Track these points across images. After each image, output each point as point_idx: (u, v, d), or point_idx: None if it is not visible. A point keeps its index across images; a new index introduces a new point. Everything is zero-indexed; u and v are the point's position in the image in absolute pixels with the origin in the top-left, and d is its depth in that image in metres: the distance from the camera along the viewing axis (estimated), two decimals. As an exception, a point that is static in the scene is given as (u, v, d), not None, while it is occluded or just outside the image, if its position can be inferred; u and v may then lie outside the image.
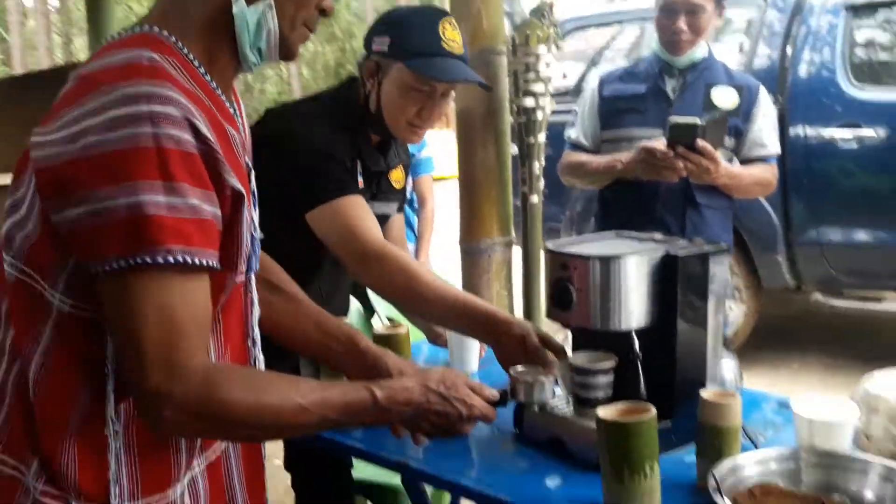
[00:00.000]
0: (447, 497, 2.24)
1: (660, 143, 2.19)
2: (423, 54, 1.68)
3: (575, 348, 1.53)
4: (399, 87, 1.71)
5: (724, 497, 1.13)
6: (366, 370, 1.36)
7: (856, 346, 4.29)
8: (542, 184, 2.18)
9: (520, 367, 1.42)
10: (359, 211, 1.66)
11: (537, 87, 2.10)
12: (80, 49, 22.01)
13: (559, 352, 1.48)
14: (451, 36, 1.71)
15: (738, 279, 4.24)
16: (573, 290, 1.38)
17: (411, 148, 3.30)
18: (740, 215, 4.06)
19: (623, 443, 1.16)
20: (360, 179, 1.75)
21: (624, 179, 2.36)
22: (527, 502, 1.30)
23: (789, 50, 4.20)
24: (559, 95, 3.26)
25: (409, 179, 3.21)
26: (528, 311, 2.20)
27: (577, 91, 4.87)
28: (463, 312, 1.54)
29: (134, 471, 0.99)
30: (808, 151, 4.03)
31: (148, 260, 0.88)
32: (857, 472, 1.20)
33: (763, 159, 2.43)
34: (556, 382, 1.45)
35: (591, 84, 2.58)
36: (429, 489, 1.83)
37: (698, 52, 2.41)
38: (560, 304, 1.41)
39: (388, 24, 1.77)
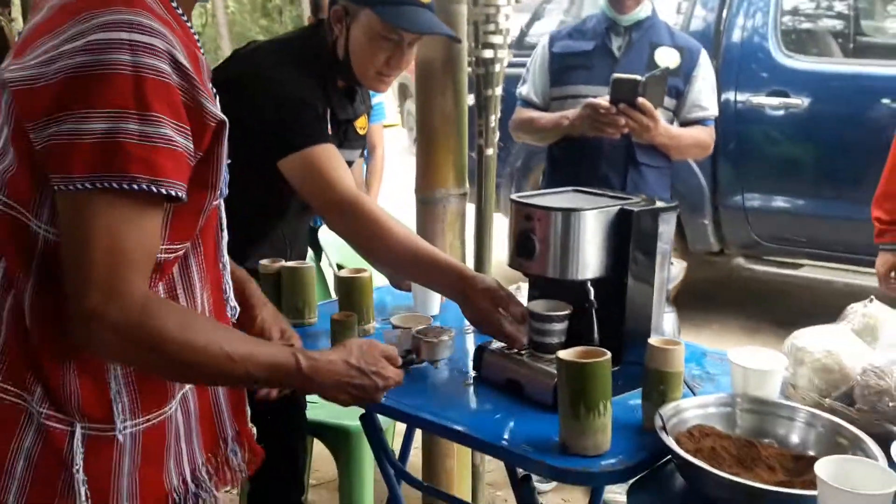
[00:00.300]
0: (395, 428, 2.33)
1: (604, 99, 2.27)
2: (393, 2, 1.68)
3: (531, 298, 1.62)
4: (368, 34, 1.71)
5: (669, 435, 1.24)
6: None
7: (773, 311, 4.47)
8: (497, 136, 2.23)
9: (421, 327, 1.57)
10: (332, 161, 1.68)
11: (496, 39, 2.13)
12: None
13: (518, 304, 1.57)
14: None
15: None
16: (536, 240, 1.46)
17: None
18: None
19: (581, 382, 1.25)
20: (329, 127, 1.77)
21: (571, 136, 2.44)
22: (484, 435, 1.39)
23: (724, 14, 4.27)
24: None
25: None
26: (479, 261, 2.27)
27: (519, 43, 4.91)
28: (430, 267, 1.60)
29: (133, 389, 1.02)
30: (737, 116, 4.11)
31: (113, 185, 0.90)
32: (784, 417, 1.33)
33: (701, 121, 2.53)
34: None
35: (542, 41, 2.64)
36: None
37: (643, 10, 2.49)
38: (523, 254, 1.49)
39: None
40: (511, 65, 2.38)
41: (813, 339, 1.43)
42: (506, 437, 1.38)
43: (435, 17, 1.76)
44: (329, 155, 1.68)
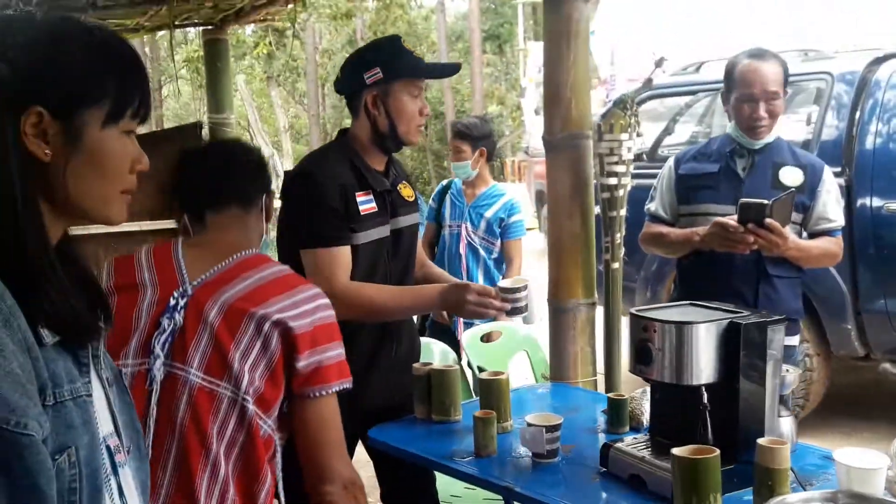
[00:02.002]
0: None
1: (732, 219, 2.40)
2: (411, 65, 2.18)
3: (653, 401, 1.81)
4: (407, 97, 2.18)
5: (775, 526, 1.39)
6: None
7: (923, 415, 4.33)
8: (622, 251, 2.47)
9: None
10: (333, 261, 2.13)
11: (619, 168, 2.40)
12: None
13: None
14: (412, 48, 2.23)
15: (808, 346, 4.37)
16: (653, 349, 1.67)
17: (501, 212, 3.64)
18: (811, 284, 4.23)
19: (693, 476, 1.44)
20: (374, 205, 2.19)
21: (700, 250, 2.61)
22: (610, 524, 1.58)
23: (857, 120, 4.35)
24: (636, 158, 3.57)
25: (499, 242, 3.58)
26: (609, 365, 2.47)
27: (652, 155, 5.15)
28: (417, 301, 2.26)
29: None
30: (874, 221, 4.15)
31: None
32: (889, 513, 1.45)
33: (829, 232, 2.61)
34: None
35: (669, 163, 2.83)
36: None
37: (772, 135, 2.62)
38: (641, 361, 1.70)
39: (368, 59, 2.21)
40: (643, 176, 2.61)
41: (918, 442, 1.54)
42: (630, 525, 1.56)
43: (433, 62, 2.26)
44: (332, 255, 2.14)
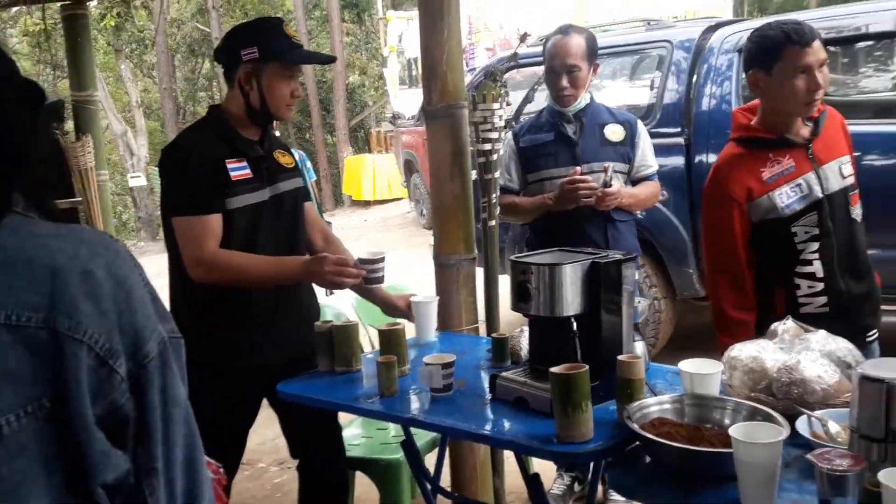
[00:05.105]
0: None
1: (574, 174, 2.83)
2: (287, 50, 2.33)
3: (531, 334, 2.10)
4: (279, 79, 2.33)
5: (635, 424, 1.71)
6: None
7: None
8: (497, 210, 2.76)
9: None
10: (199, 229, 2.25)
11: (492, 135, 2.68)
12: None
13: None
14: (293, 33, 2.37)
15: (657, 290, 4.87)
16: (531, 288, 1.96)
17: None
18: (656, 234, 4.71)
19: (567, 388, 1.73)
20: (249, 171, 2.32)
21: (551, 212, 2.97)
22: (501, 435, 1.86)
23: (693, 84, 4.83)
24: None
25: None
26: (489, 312, 2.76)
27: (516, 120, 5.49)
28: (280, 269, 2.33)
29: None
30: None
31: None
32: (721, 408, 1.79)
33: (648, 177, 3.10)
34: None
35: (508, 138, 3.12)
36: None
37: (582, 101, 3.03)
38: (521, 299, 1.98)
39: (247, 37, 2.33)
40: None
41: (743, 350, 1.90)
42: (517, 436, 1.85)
43: (311, 51, 2.37)
44: (200, 223, 2.25)
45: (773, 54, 2.21)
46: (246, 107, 2.35)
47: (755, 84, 2.29)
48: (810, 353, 1.83)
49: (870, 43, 4.52)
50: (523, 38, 3.05)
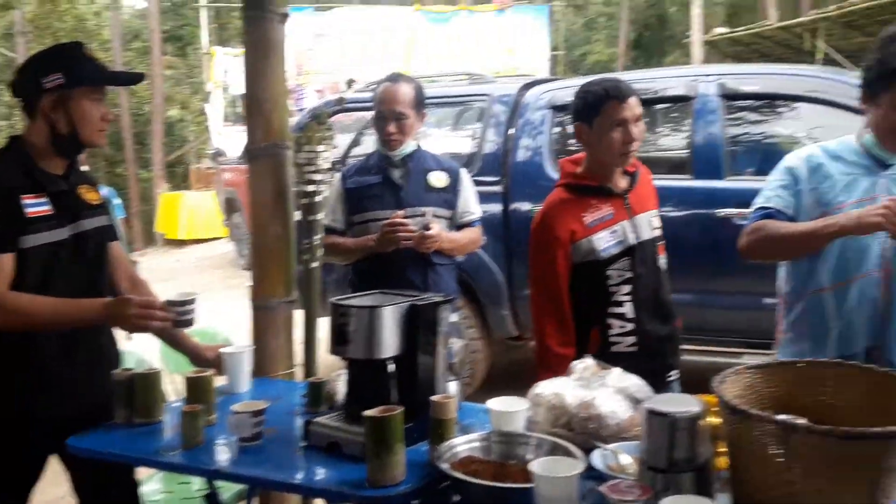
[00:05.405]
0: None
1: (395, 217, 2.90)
2: (95, 72, 2.28)
3: (350, 377, 2.11)
4: (88, 103, 2.25)
5: (444, 464, 1.76)
6: None
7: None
8: (320, 252, 2.77)
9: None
10: None
11: (317, 177, 2.70)
12: None
13: None
14: (96, 56, 2.32)
15: (474, 331, 5.04)
16: (350, 331, 1.98)
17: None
18: (475, 276, 4.90)
19: (381, 431, 1.75)
20: (49, 207, 2.20)
21: (374, 253, 3.03)
22: (312, 484, 1.85)
23: (510, 137, 5.08)
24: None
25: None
26: (309, 355, 2.75)
27: (343, 163, 5.54)
28: (72, 312, 2.19)
29: None
30: (527, 222, 4.86)
31: None
32: (525, 444, 1.88)
33: (470, 223, 3.23)
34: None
35: (335, 180, 3.18)
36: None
37: (408, 147, 3.15)
38: (340, 342, 2.00)
39: (49, 64, 2.24)
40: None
41: (546, 387, 2.02)
42: (328, 483, 1.84)
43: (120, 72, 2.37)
44: None
45: (594, 109, 2.43)
46: (53, 137, 2.23)
47: (579, 136, 2.51)
48: (606, 390, 1.97)
49: (667, 105, 4.98)
50: (350, 83, 3.14)
